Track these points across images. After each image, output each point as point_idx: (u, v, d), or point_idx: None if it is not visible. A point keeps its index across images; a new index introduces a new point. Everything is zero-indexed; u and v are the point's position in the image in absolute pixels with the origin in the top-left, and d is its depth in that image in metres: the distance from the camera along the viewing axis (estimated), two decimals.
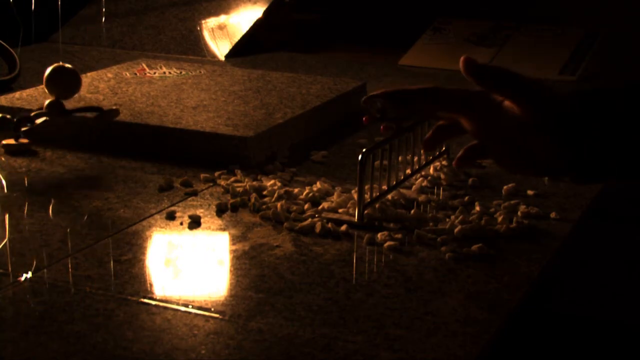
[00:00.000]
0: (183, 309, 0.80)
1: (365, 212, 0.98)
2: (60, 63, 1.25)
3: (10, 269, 0.86)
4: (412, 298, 0.83)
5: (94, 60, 1.79)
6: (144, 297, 0.82)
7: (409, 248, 0.93)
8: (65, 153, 1.20)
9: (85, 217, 1.00)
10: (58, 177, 1.12)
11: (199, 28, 1.94)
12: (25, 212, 1.01)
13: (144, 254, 0.92)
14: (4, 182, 1.10)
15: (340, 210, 1.01)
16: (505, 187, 1.09)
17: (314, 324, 0.77)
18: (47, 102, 1.21)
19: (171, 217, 1.00)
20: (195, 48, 1.89)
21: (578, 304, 1.55)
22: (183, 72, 1.50)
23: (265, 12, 1.93)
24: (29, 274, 0.85)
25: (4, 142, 1.20)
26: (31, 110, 1.21)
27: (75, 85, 1.25)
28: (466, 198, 1.06)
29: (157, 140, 1.21)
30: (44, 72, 1.25)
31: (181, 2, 2.01)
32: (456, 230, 0.96)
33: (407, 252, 0.92)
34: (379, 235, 0.95)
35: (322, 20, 2.12)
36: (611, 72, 1.80)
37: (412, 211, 1.00)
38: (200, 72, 1.51)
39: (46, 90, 1.23)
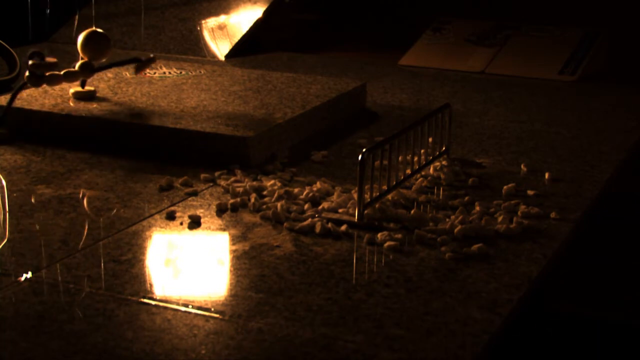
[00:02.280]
0: (183, 309, 0.80)
1: (365, 212, 0.98)
2: (94, 28, 1.33)
3: (10, 269, 0.87)
4: (412, 298, 0.83)
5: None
6: (144, 297, 0.82)
7: (409, 248, 0.93)
8: (65, 153, 1.20)
9: (85, 217, 1.00)
10: (58, 177, 1.12)
11: (199, 28, 1.94)
12: (25, 212, 1.01)
13: (144, 254, 0.92)
14: (4, 182, 1.10)
15: (340, 210, 1.01)
16: (505, 187, 1.09)
17: (314, 324, 0.78)
18: (79, 63, 1.30)
19: (171, 217, 1.00)
20: (195, 48, 1.89)
21: (578, 304, 1.55)
22: (183, 72, 1.50)
23: (265, 12, 1.93)
24: (29, 274, 0.85)
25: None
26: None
27: (107, 48, 1.34)
28: (466, 198, 1.06)
29: (157, 140, 1.21)
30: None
31: (181, 2, 2.01)
32: (456, 230, 0.96)
33: (407, 252, 0.92)
34: (379, 235, 0.95)
35: (322, 20, 2.12)
36: (611, 72, 1.80)
37: (412, 211, 1.00)
38: (200, 72, 1.51)
39: (80, 53, 1.31)
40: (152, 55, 1.35)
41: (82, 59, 1.32)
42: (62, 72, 1.28)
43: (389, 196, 1.04)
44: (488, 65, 1.78)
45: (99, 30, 1.34)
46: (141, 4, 2.03)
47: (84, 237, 0.94)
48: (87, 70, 1.31)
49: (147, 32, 1.95)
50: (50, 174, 1.13)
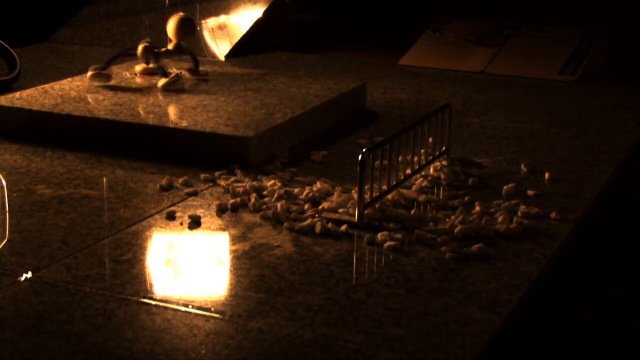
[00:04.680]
0: (183, 309, 0.80)
1: (365, 212, 0.98)
2: (181, 14, 1.47)
3: (10, 269, 0.87)
4: (412, 298, 0.83)
5: (94, 60, 1.79)
6: (144, 297, 0.82)
7: (409, 248, 0.93)
8: (65, 153, 1.20)
9: (85, 217, 1.00)
10: (58, 177, 1.12)
11: (199, 28, 1.94)
12: (25, 212, 1.01)
13: (144, 254, 0.92)
14: (4, 182, 1.10)
15: (340, 210, 1.01)
16: (505, 187, 1.09)
17: (314, 324, 0.78)
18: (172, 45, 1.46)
19: (171, 217, 1.00)
20: (195, 48, 1.89)
21: (578, 304, 1.55)
22: (183, 72, 1.50)
23: (265, 12, 1.93)
24: (29, 274, 0.85)
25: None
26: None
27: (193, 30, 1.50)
28: (466, 198, 1.06)
29: (157, 140, 1.21)
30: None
31: (181, 2, 2.01)
32: (456, 230, 0.96)
33: (407, 252, 0.92)
34: (379, 235, 0.95)
35: (322, 20, 2.12)
36: (611, 72, 1.80)
37: (412, 211, 1.00)
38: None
39: (172, 36, 1.46)
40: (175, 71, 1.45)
41: (170, 41, 1.46)
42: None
43: (389, 196, 1.04)
44: (488, 65, 1.78)
45: (183, 14, 1.47)
46: (141, 4, 2.03)
47: (84, 237, 0.94)
48: (179, 51, 1.47)
49: (147, 32, 1.95)
50: (51, 174, 1.13)
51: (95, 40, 1.96)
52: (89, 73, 1.41)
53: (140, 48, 1.44)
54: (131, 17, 2.01)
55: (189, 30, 1.48)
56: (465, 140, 1.31)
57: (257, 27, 1.92)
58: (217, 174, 1.12)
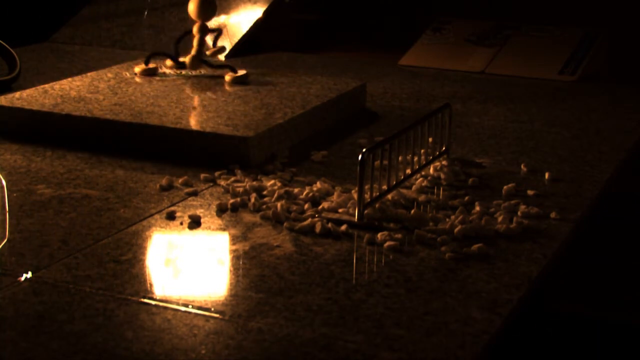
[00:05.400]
0: (183, 309, 0.80)
1: (365, 212, 0.98)
2: None
3: (10, 269, 0.87)
4: (412, 298, 0.83)
5: (94, 60, 1.79)
6: (144, 297, 0.82)
7: (409, 248, 0.93)
8: (65, 153, 1.20)
9: (85, 217, 1.00)
10: (58, 177, 1.12)
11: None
12: (25, 212, 1.01)
13: (144, 254, 0.92)
14: (4, 182, 1.10)
15: (340, 210, 1.01)
16: (505, 187, 1.09)
17: (314, 324, 0.78)
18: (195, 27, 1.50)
19: (171, 217, 1.00)
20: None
21: (578, 304, 1.55)
22: (183, 72, 1.50)
23: (265, 12, 1.93)
24: (29, 274, 0.85)
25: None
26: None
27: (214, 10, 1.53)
28: (466, 198, 1.06)
29: (157, 140, 1.21)
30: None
31: (181, 2, 2.01)
32: (456, 230, 0.96)
33: (407, 252, 0.92)
34: (379, 235, 0.95)
35: (322, 20, 2.12)
36: (611, 72, 1.80)
37: (412, 211, 1.00)
38: (200, 72, 1.51)
39: (195, 17, 1.51)
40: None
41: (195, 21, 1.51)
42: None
43: (389, 196, 1.04)
44: (488, 65, 1.78)
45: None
46: (141, 4, 2.03)
47: (84, 237, 0.94)
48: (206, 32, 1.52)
49: (147, 32, 1.95)
50: (51, 174, 1.13)
51: (95, 40, 1.96)
52: (137, 69, 1.47)
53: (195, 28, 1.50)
54: (131, 17, 2.01)
55: (211, 10, 1.51)
56: (465, 140, 1.31)
57: (257, 27, 1.93)
58: (217, 174, 1.12)
